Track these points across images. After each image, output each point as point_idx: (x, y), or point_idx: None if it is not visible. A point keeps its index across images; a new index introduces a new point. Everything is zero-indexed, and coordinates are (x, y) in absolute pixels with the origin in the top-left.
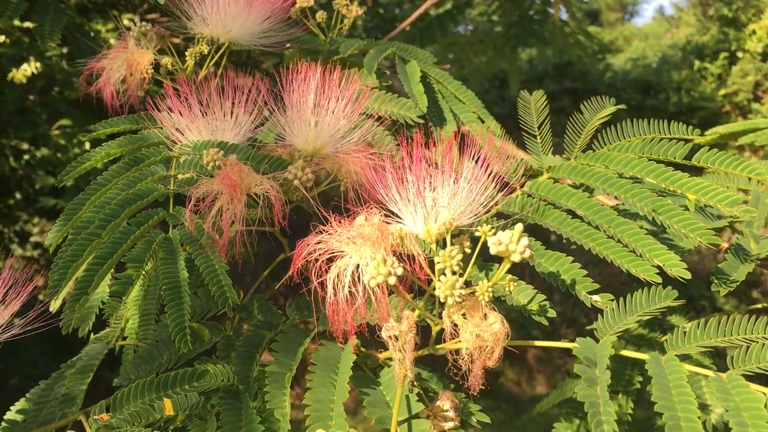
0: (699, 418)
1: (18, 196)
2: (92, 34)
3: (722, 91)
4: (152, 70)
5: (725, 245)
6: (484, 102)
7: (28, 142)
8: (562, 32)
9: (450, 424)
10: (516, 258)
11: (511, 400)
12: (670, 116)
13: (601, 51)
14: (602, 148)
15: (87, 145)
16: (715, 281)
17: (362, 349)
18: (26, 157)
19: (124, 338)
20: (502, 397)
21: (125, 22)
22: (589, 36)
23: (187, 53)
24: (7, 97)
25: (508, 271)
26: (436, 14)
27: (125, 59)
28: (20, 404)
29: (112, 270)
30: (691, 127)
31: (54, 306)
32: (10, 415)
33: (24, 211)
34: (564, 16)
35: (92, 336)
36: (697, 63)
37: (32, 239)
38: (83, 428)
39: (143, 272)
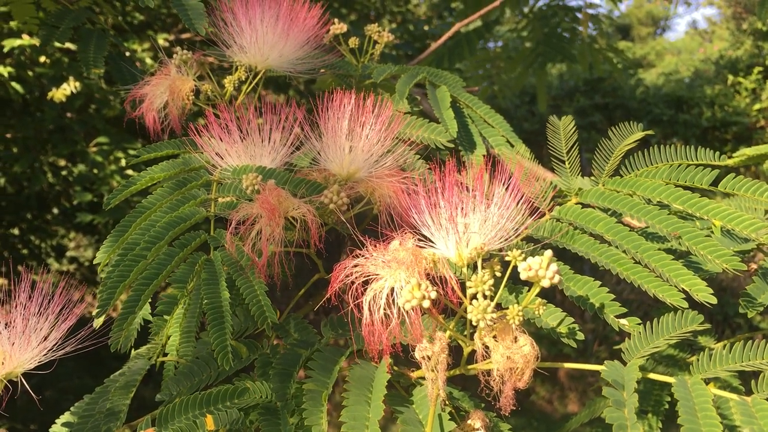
0: None
1: (55, 211)
2: (128, 53)
3: (757, 106)
4: (193, 97)
5: (755, 266)
6: (514, 118)
7: (65, 158)
8: (591, 49)
9: None
10: (546, 284)
11: (542, 419)
12: (703, 131)
13: (631, 66)
14: (631, 172)
15: (123, 162)
16: (742, 304)
17: (395, 368)
18: (64, 173)
19: (165, 354)
20: (534, 415)
21: (161, 41)
22: (618, 52)
23: (225, 81)
24: (46, 115)
25: (539, 294)
26: (465, 32)
27: (167, 86)
28: (65, 417)
29: None
30: (717, 153)
31: (97, 323)
32: (55, 428)
33: (61, 226)
34: (593, 32)
35: (133, 352)
36: (730, 77)
37: (68, 254)
38: None
39: (185, 291)
